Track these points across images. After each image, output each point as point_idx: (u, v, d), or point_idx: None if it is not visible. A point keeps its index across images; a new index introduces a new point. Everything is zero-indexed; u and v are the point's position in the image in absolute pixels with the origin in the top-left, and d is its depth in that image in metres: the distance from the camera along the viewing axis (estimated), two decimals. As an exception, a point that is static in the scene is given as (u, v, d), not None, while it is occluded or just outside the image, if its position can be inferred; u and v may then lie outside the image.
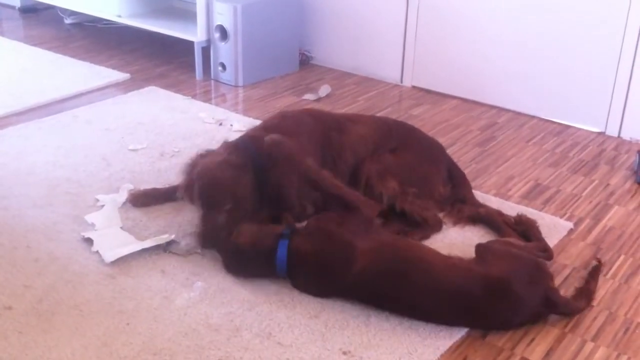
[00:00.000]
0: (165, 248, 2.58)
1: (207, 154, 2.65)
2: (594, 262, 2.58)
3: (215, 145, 3.40)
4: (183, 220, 2.77)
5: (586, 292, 2.42)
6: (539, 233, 2.68)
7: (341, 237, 2.33)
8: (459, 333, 2.25)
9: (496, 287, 2.22)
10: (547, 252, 2.57)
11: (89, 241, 2.61)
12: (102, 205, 2.85)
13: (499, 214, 2.84)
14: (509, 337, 2.25)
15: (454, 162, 3.06)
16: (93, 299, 2.32)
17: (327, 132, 2.82)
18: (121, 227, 2.71)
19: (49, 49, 4.73)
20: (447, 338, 2.23)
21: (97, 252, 2.55)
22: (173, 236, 2.62)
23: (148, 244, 2.57)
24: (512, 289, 2.21)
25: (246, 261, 2.38)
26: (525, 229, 2.70)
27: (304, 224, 2.53)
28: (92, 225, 2.72)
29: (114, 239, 2.62)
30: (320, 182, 2.55)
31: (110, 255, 2.50)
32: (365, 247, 2.30)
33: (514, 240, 2.60)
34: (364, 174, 2.78)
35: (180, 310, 2.29)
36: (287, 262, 2.33)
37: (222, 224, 2.47)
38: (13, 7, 5.58)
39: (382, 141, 2.88)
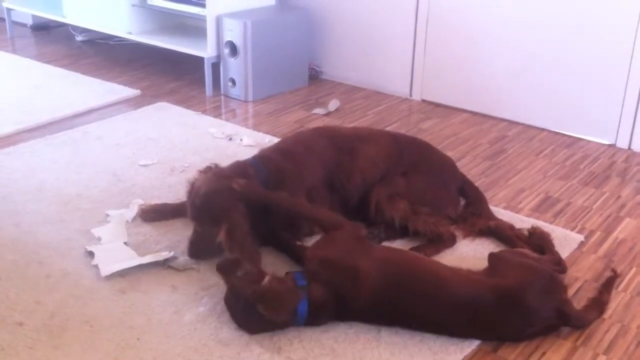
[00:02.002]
0: (164, 263, 2.58)
1: (210, 170, 2.64)
2: (610, 273, 2.56)
3: (225, 160, 3.42)
4: (193, 235, 2.77)
5: (599, 303, 2.40)
6: (553, 246, 2.67)
7: (344, 264, 2.26)
8: (469, 347, 2.24)
9: (508, 298, 2.21)
10: (560, 265, 2.56)
11: (88, 255, 2.62)
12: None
13: (510, 227, 2.82)
14: (520, 351, 2.24)
15: (467, 180, 3.05)
16: (104, 315, 2.33)
17: (338, 155, 2.82)
18: (126, 243, 2.72)
19: (61, 66, 4.78)
20: (458, 352, 2.22)
21: (96, 265, 2.56)
22: (172, 253, 2.62)
23: (147, 259, 2.57)
24: (525, 299, 2.20)
25: (264, 325, 2.28)
26: (539, 241, 2.69)
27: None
28: (99, 239, 2.73)
29: (115, 254, 2.62)
30: (296, 211, 2.52)
31: (106, 270, 2.51)
32: (370, 267, 2.25)
33: (526, 251, 2.59)
34: (374, 199, 2.78)
35: (190, 325, 2.29)
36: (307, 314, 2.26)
37: (215, 238, 2.47)
38: (25, 25, 5.65)
39: (393, 164, 2.86)
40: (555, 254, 2.62)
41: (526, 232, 2.78)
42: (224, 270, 2.30)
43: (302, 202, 2.56)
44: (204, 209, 2.51)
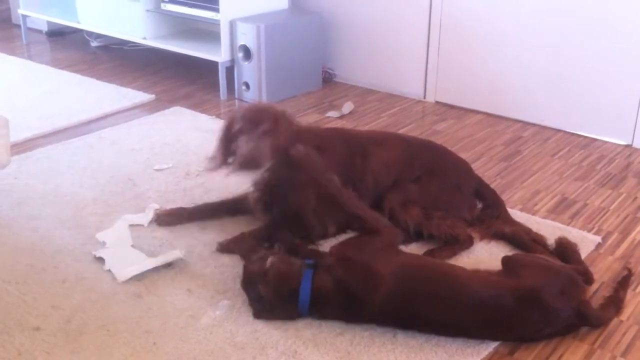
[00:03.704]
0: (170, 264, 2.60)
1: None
2: (624, 272, 2.56)
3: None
4: (209, 239, 2.78)
5: (615, 301, 2.40)
6: (579, 255, 2.63)
7: (362, 265, 2.28)
8: (486, 349, 2.23)
9: (527, 298, 2.20)
10: (586, 276, 2.50)
11: (101, 260, 2.63)
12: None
13: (527, 232, 2.80)
14: (537, 354, 2.22)
15: (484, 182, 3.03)
16: (120, 319, 2.33)
17: (352, 156, 2.82)
18: (132, 245, 2.73)
19: (76, 71, 4.81)
20: (474, 355, 2.20)
21: (109, 270, 2.57)
22: (183, 252, 2.64)
23: (159, 261, 2.58)
24: (544, 299, 2.19)
25: (273, 306, 2.32)
26: (564, 250, 2.65)
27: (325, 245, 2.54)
28: (103, 243, 2.74)
29: (125, 257, 2.63)
30: (342, 200, 2.54)
31: (122, 275, 2.52)
32: (387, 271, 2.25)
33: (543, 256, 2.57)
34: (387, 205, 2.77)
35: (206, 329, 2.29)
36: (310, 301, 2.28)
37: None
38: (40, 31, 5.69)
39: (405, 168, 2.86)
40: (581, 264, 2.57)
41: (542, 235, 2.76)
42: (244, 255, 2.49)
43: (355, 199, 2.57)
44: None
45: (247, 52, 4.24)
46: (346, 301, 2.26)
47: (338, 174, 2.75)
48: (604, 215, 3.07)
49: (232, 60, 4.33)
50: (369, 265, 2.27)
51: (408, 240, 2.76)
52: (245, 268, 2.40)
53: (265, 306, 2.31)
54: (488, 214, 2.91)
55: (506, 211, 2.95)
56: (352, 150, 2.84)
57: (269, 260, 2.32)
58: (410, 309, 2.24)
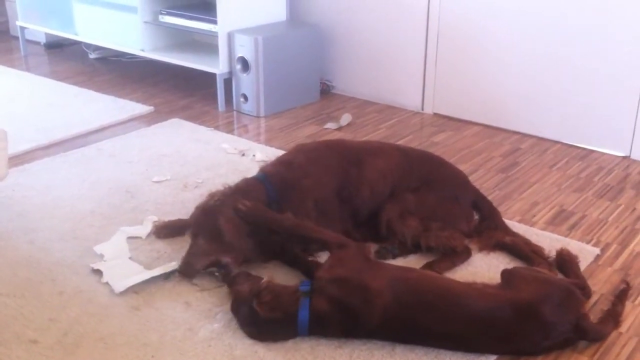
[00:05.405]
0: (169, 276, 2.60)
1: (215, 194, 2.68)
2: (622, 285, 2.55)
3: (238, 175, 3.42)
4: (206, 252, 2.77)
5: (614, 315, 2.39)
6: (578, 269, 2.62)
7: (355, 283, 2.26)
8: (485, 362, 2.22)
9: (525, 311, 2.19)
10: (584, 290, 2.49)
11: (99, 273, 2.62)
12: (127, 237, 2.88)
13: (526, 243, 2.80)
14: (536, 366, 2.22)
15: (481, 194, 3.02)
16: (118, 332, 2.33)
17: (345, 166, 2.81)
18: (130, 258, 2.72)
19: (74, 83, 4.81)
20: (473, 367, 2.20)
21: (107, 283, 2.56)
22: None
23: (157, 272, 2.58)
24: (542, 312, 2.19)
25: (267, 329, 2.29)
26: (564, 263, 2.64)
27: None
28: (101, 256, 2.73)
29: (123, 269, 2.63)
30: (301, 232, 2.53)
31: (120, 286, 2.51)
32: (381, 286, 2.24)
33: (542, 269, 2.56)
34: (385, 217, 2.77)
35: (204, 342, 2.28)
36: (309, 322, 2.27)
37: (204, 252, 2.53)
38: (38, 43, 5.70)
39: (402, 178, 2.85)
40: (580, 278, 2.56)
41: (541, 247, 2.75)
42: (229, 282, 2.43)
43: (306, 224, 2.54)
44: (201, 226, 2.58)
45: (245, 64, 4.24)
46: (344, 320, 2.25)
47: (331, 186, 2.76)
48: (602, 226, 3.07)
49: (230, 72, 4.34)
50: (363, 283, 2.25)
51: (406, 252, 2.76)
52: (233, 290, 2.38)
53: (259, 328, 2.28)
54: (486, 226, 2.91)
55: (503, 222, 2.94)
56: (346, 161, 2.83)
57: (264, 279, 2.31)
58: (408, 322, 2.23)
